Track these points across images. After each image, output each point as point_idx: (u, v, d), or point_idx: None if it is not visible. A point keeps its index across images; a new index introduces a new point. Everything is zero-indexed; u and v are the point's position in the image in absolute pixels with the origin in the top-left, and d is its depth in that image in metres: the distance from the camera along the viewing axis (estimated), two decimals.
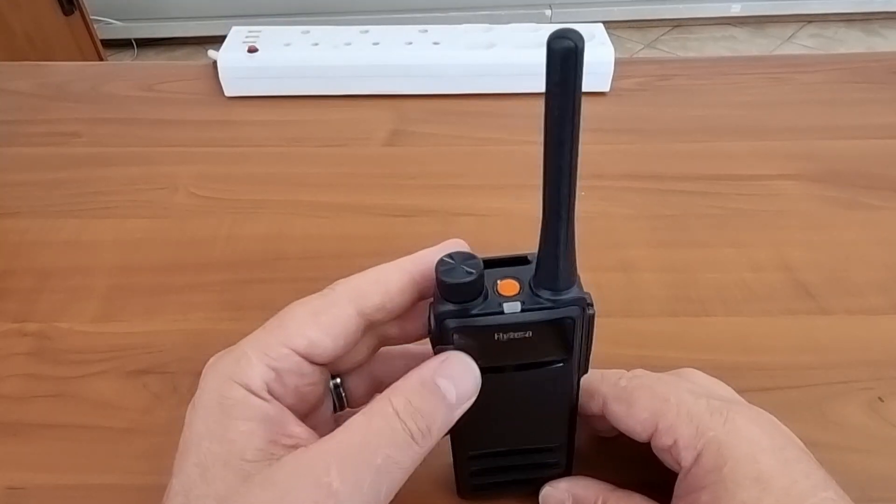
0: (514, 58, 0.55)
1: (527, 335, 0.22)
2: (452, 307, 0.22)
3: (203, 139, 0.52)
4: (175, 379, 0.34)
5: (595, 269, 0.39)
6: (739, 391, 0.28)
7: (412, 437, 0.21)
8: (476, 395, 0.22)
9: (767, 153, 0.49)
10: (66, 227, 0.44)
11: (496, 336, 0.22)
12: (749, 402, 0.26)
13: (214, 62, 0.56)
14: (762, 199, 0.45)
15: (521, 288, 0.22)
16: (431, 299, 0.23)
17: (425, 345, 0.24)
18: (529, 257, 0.23)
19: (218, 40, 0.57)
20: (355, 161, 0.49)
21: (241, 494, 0.20)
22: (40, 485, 0.30)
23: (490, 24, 0.58)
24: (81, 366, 0.35)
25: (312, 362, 0.23)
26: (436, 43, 0.56)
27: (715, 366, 0.34)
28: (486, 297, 0.22)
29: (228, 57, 0.55)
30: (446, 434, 0.22)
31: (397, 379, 0.22)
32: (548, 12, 2.14)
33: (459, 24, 0.58)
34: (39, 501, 0.30)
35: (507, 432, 0.26)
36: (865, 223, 0.43)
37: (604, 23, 0.56)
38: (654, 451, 0.25)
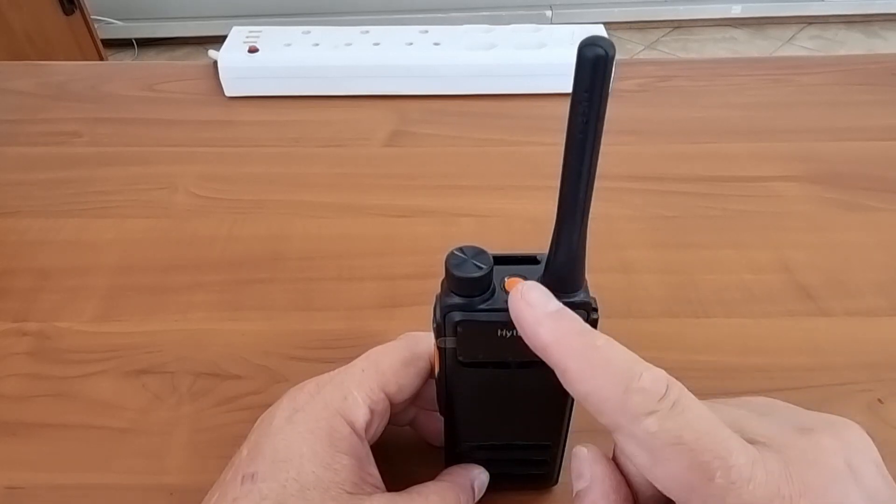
0: (514, 59, 0.55)
1: None
2: (459, 300, 0.22)
3: (203, 139, 0.52)
4: (174, 379, 0.34)
5: (595, 269, 0.39)
6: (739, 393, 0.28)
7: None
8: None
9: (767, 154, 0.49)
10: (65, 226, 0.44)
11: (499, 332, 0.22)
12: None
13: (215, 62, 0.56)
14: (762, 200, 0.45)
15: None
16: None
17: None
18: (539, 257, 0.23)
19: (218, 40, 0.57)
20: (355, 161, 0.49)
21: None
22: (40, 484, 0.30)
23: (490, 24, 0.58)
24: (81, 365, 0.35)
25: (392, 404, 0.26)
26: (436, 43, 0.56)
27: (714, 367, 0.34)
28: (492, 293, 0.22)
29: (229, 57, 0.55)
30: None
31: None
32: (548, 13, 2.14)
33: (460, 24, 0.59)
34: (39, 501, 0.30)
35: (501, 427, 0.26)
36: (865, 225, 0.43)
37: (604, 24, 0.56)
38: None
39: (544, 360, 0.20)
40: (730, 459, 0.18)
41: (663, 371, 0.19)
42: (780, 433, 0.20)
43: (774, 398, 0.25)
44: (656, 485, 0.19)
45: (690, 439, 0.18)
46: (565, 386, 0.20)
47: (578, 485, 0.22)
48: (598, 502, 0.21)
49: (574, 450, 0.22)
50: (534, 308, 0.20)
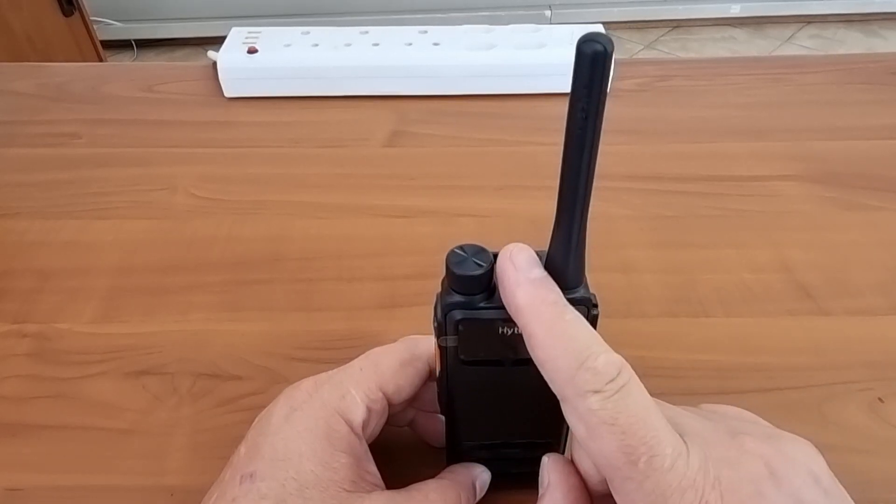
0: (513, 59, 0.55)
1: None
2: (459, 298, 0.22)
3: (203, 140, 0.52)
4: (175, 380, 0.34)
5: (595, 269, 0.39)
6: (739, 392, 0.28)
7: None
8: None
9: (767, 154, 0.49)
10: (65, 227, 0.44)
11: (500, 330, 0.22)
12: (749, 402, 0.26)
13: (214, 63, 0.56)
14: (762, 199, 0.45)
15: None
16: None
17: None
18: (539, 253, 0.23)
19: (218, 41, 0.57)
20: (355, 162, 0.49)
21: None
22: (39, 486, 0.30)
23: (490, 24, 0.58)
24: (81, 366, 0.35)
25: (390, 404, 0.26)
26: (436, 44, 0.56)
27: (714, 367, 0.34)
28: (493, 292, 0.22)
29: (228, 58, 0.55)
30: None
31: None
32: (547, 13, 2.14)
33: (459, 24, 0.59)
34: (39, 502, 0.30)
35: (502, 425, 0.26)
36: (865, 224, 0.43)
37: (603, 23, 0.56)
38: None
39: (516, 322, 0.21)
40: (656, 448, 0.19)
41: (622, 359, 0.20)
42: (711, 433, 0.21)
43: (772, 397, 0.25)
44: (590, 457, 0.21)
45: (624, 423, 0.19)
46: (528, 349, 0.21)
47: (541, 489, 0.24)
48: (557, 502, 0.23)
49: (542, 459, 0.24)
50: (517, 271, 0.21)
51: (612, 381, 0.19)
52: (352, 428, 0.24)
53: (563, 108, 0.18)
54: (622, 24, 2.21)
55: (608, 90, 0.18)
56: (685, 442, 0.20)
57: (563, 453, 0.28)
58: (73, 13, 1.57)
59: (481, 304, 0.22)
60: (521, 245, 0.21)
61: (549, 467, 0.23)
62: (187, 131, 0.53)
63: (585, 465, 0.23)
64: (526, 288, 0.20)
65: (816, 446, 0.24)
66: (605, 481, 0.21)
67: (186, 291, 0.39)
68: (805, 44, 2.15)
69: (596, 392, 0.19)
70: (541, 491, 0.24)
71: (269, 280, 0.40)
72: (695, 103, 0.55)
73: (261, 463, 0.23)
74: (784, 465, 0.21)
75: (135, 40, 2.16)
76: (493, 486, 0.28)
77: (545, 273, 0.21)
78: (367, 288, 0.39)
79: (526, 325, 0.20)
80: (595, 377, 0.19)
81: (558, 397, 0.21)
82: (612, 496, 0.21)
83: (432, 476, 0.27)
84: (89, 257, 0.41)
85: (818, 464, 0.22)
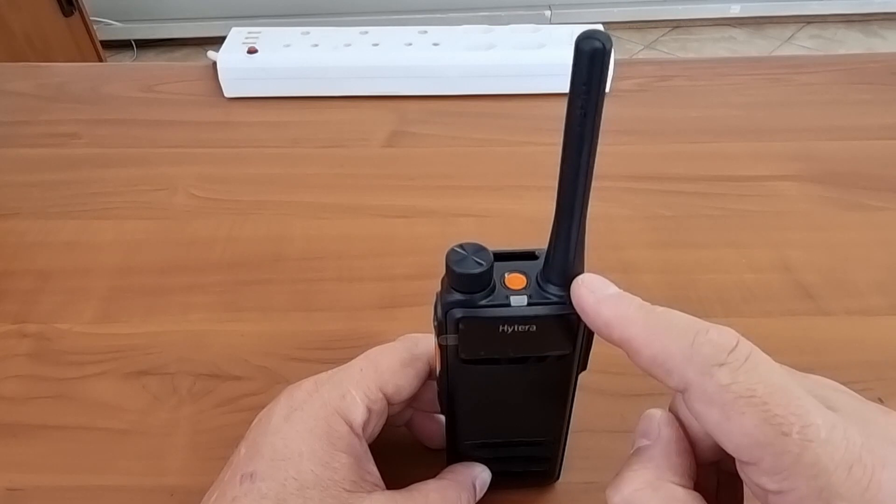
0: (513, 59, 0.55)
1: (531, 329, 0.22)
2: (460, 297, 0.22)
3: (203, 140, 0.52)
4: (174, 380, 0.34)
5: (595, 269, 0.39)
6: None
7: None
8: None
9: (767, 154, 0.49)
10: (65, 228, 0.44)
11: (501, 328, 0.22)
12: None
13: (214, 63, 0.56)
14: (762, 199, 0.45)
15: (528, 282, 0.22)
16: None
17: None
18: (538, 252, 0.23)
19: (217, 41, 0.57)
20: (355, 162, 0.49)
21: None
22: (39, 486, 0.30)
23: (490, 25, 0.58)
24: (81, 367, 0.35)
25: (389, 404, 0.26)
26: (435, 44, 0.56)
27: None
28: (493, 290, 0.22)
29: (228, 58, 0.55)
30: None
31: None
32: (547, 13, 2.14)
33: (459, 25, 0.59)
34: (39, 502, 0.30)
35: (502, 424, 0.26)
36: (865, 224, 0.43)
37: (603, 24, 0.56)
38: (737, 469, 0.19)
39: (608, 339, 0.20)
40: (806, 417, 0.17)
41: (733, 331, 0.18)
42: (861, 407, 0.19)
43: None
44: (727, 446, 0.18)
45: (764, 393, 0.17)
46: (632, 359, 0.19)
47: (642, 441, 0.21)
48: (656, 459, 0.20)
49: (647, 412, 0.22)
50: (594, 292, 0.21)
51: (734, 349, 0.18)
52: (352, 428, 0.24)
53: (562, 108, 0.18)
54: (622, 25, 2.21)
55: (607, 89, 0.18)
56: (839, 415, 0.18)
57: (562, 451, 0.28)
58: (72, 13, 1.57)
59: (482, 303, 0.22)
60: (588, 273, 0.21)
61: (663, 422, 0.21)
62: (187, 131, 0.53)
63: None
64: (608, 303, 0.20)
65: None
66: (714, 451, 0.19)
67: (186, 291, 0.39)
68: (805, 44, 2.15)
69: (722, 365, 0.17)
70: (643, 441, 0.21)
71: (269, 280, 0.40)
72: (695, 103, 0.55)
73: (261, 463, 0.23)
74: None
75: (135, 40, 2.16)
76: (494, 484, 0.28)
77: (620, 290, 0.21)
78: (367, 288, 0.39)
79: (622, 335, 0.19)
80: (714, 349, 0.18)
81: (680, 389, 0.19)
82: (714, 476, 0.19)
83: (432, 476, 0.27)
84: (89, 257, 0.41)
85: None
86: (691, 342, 0.18)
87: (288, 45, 0.56)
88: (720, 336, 0.18)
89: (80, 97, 0.57)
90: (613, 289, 0.21)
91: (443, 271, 0.22)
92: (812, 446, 0.17)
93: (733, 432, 0.18)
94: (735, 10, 2.18)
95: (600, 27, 0.22)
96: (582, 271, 0.22)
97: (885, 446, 0.18)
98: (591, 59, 0.17)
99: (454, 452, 0.28)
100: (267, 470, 0.23)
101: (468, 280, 0.21)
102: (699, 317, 0.19)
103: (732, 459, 0.19)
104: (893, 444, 0.18)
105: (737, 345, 0.18)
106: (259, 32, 0.58)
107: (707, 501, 0.19)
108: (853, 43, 2.13)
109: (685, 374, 0.18)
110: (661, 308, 0.20)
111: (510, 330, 0.22)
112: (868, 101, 0.54)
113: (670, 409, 0.22)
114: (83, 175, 0.48)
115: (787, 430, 0.17)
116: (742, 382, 0.17)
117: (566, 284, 0.21)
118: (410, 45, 0.56)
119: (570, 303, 0.21)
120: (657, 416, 0.21)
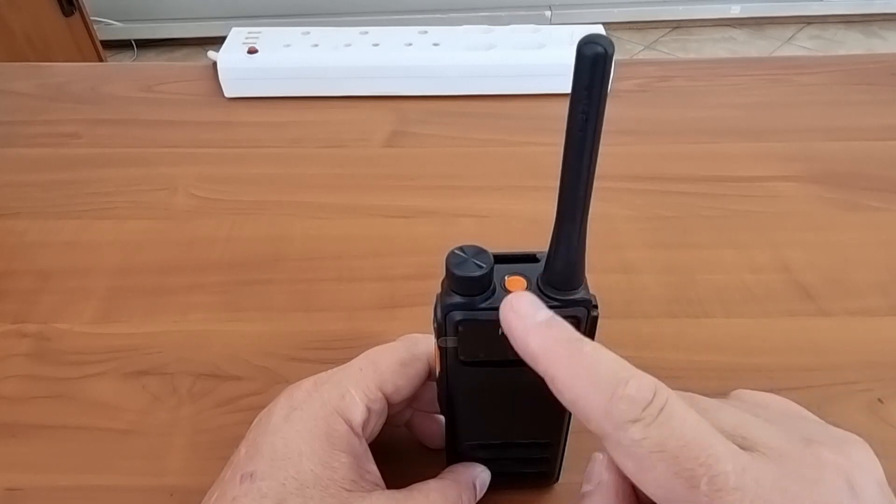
0: (513, 59, 0.55)
1: None
2: (460, 299, 0.22)
3: (203, 140, 0.52)
4: (174, 380, 0.34)
5: (595, 269, 0.39)
6: None
7: None
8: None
9: (767, 154, 0.49)
10: (65, 227, 0.44)
11: (500, 331, 0.22)
12: None
13: (214, 63, 0.56)
14: (762, 200, 0.45)
15: (528, 285, 0.22)
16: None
17: None
18: (538, 255, 0.23)
19: (218, 41, 0.57)
20: (355, 162, 0.49)
21: None
22: (39, 486, 0.30)
23: (490, 25, 0.58)
24: (80, 367, 0.35)
25: (389, 404, 0.26)
26: (436, 44, 0.56)
27: (714, 367, 0.35)
28: (493, 292, 0.22)
29: (228, 58, 0.55)
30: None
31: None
32: (547, 13, 2.15)
33: (459, 25, 0.59)
34: (38, 502, 0.30)
35: (502, 425, 0.26)
36: (865, 224, 0.43)
37: (603, 24, 0.56)
38: None
39: (535, 370, 0.20)
40: (716, 467, 0.18)
41: (652, 378, 0.19)
42: (783, 443, 0.20)
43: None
44: (645, 492, 0.19)
45: (674, 447, 0.18)
46: (555, 394, 0.20)
47: (586, 487, 0.22)
48: (609, 501, 0.21)
49: (593, 455, 0.22)
50: (523, 319, 0.20)
51: (648, 405, 0.18)
52: (351, 427, 0.24)
53: (563, 108, 0.18)
54: (622, 25, 2.21)
55: (608, 92, 0.18)
56: (753, 456, 0.18)
57: (562, 452, 0.28)
58: (72, 13, 1.57)
59: (481, 305, 0.22)
60: (518, 293, 0.20)
61: (605, 465, 0.22)
62: (187, 131, 0.53)
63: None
64: (535, 333, 0.19)
65: None
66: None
67: (186, 291, 0.39)
68: (805, 44, 2.15)
69: (636, 421, 0.18)
70: (587, 487, 0.22)
71: (269, 280, 0.40)
72: (695, 104, 0.55)
73: (261, 462, 0.23)
74: (859, 476, 0.19)
75: (135, 40, 2.16)
76: (494, 485, 0.28)
77: (551, 312, 0.20)
78: (367, 288, 0.39)
79: (546, 371, 0.19)
80: (631, 405, 0.18)
81: (599, 436, 0.19)
82: None
83: (432, 476, 0.27)
84: (89, 257, 0.41)
85: (879, 469, 0.21)
86: (610, 396, 0.18)
87: (288, 45, 0.56)
88: (638, 391, 0.18)
89: (80, 97, 0.57)
90: (542, 315, 0.20)
91: (443, 271, 0.22)
92: (721, 495, 0.17)
93: (648, 483, 0.18)
94: (735, 11, 2.18)
95: (601, 28, 0.22)
96: (583, 274, 0.22)
97: (801, 485, 0.18)
98: (592, 63, 0.17)
99: (454, 453, 0.28)
100: (267, 469, 0.23)
101: (468, 283, 0.21)
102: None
103: None
104: (805, 481, 0.18)
105: (653, 398, 0.18)
106: (259, 32, 0.58)
107: None
108: (853, 44, 2.14)
109: (602, 426, 0.19)
110: (589, 347, 0.19)
111: None
112: (868, 102, 0.54)
113: None
114: (83, 175, 0.48)
115: (695, 482, 0.18)
116: (653, 438, 0.18)
117: (567, 288, 0.21)
118: (410, 45, 0.56)
119: (571, 306, 0.21)
120: (600, 459, 0.22)
